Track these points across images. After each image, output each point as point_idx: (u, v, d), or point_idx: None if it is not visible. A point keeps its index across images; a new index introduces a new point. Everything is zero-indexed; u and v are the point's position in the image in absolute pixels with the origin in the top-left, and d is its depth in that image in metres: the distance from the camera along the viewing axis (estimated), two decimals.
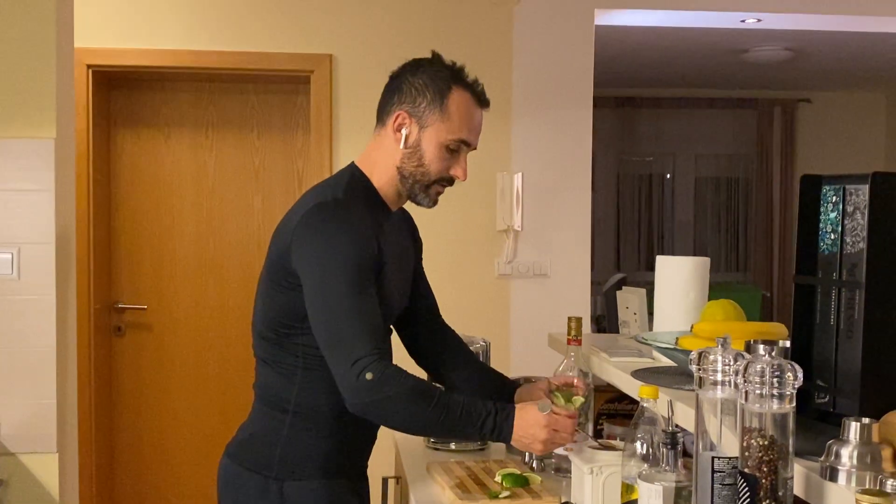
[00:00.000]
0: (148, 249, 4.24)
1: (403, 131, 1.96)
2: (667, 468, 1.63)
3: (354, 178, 2.00)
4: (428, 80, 1.96)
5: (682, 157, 7.99)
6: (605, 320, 6.02)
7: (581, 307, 4.12)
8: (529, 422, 1.84)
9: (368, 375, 1.74)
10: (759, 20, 4.48)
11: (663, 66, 6.72)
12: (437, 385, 1.87)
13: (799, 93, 7.70)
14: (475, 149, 2.01)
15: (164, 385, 4.26)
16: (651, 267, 8.00)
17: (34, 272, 2.67)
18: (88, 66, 3.91)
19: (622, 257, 7.94)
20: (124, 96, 4.22)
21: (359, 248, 1.84)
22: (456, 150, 1.97)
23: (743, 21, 4.50)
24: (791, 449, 1.28)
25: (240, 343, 4.22)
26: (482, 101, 2.01)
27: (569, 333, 2.25)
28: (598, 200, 7.70)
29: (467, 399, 1.85)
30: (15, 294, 2.67)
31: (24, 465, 2.66)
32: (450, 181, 2.00)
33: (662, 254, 7.96)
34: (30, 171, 2.66)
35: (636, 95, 7.70)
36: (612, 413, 2.48)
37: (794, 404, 1.28)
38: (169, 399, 4.26)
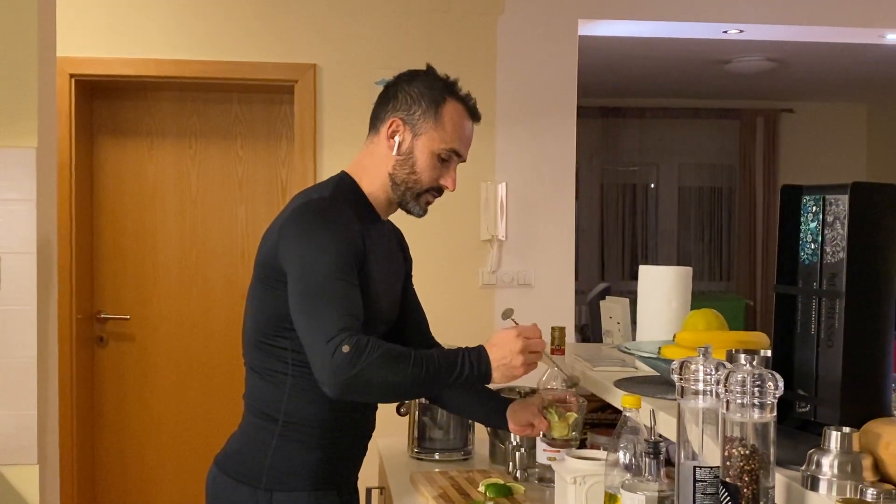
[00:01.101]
0: (131, 259, 4.22)
1: (397, 138, 1.98)
2: (649, 478, 1.63)
3: (343, 182, 2.02)
4: (424, 89, 1.99)
5: (665, 167, 8.03)
6: (589, 330, 6.04)
7: (565, 317, 4.13)
8: (500, 341, 1.83)
9: (344, 348, 1.71)
10: (741, 31, 4.51)
11: (647, 77, 6.75)
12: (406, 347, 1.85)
13: (781, 103, 7.76)
14: (465, 160, 2.04)
15: (146, 395, 4.23)
16: (635, 276, 7.95)
17: (15, 282, 2.65)
18: (71, 76, 3.90)
19: (606, 267, 7.96)
20: (107, 105, 4.20)
21: (341, 241, 1.85)
22: (447, 159, 1.99)
23: (725, 32, 4.53)
24: (772, 458, 1.29)
25: (223, 353, 4.20)
26: (474, 114, 2.05)
27: (552, 343, 2.25)
28: (581, 210, 7.74)
29: (440, 350, 1.86)
30: None
31: (3, 478, 2.64)
32: (439, 191, 2.03)
33: (646, 263, 7.99)
34: (11, 180, 2.65)
35: (620, 105, 7.74)
36: (595, 423, 2.47)
37: (774, 413, 1.28)
38: (152, 409, 4.23)
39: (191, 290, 4.25)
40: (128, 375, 4.23)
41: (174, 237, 4.24)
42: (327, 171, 3.94)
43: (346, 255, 1.84)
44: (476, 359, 1.82)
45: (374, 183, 2.01)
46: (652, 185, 8.06)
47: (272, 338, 1.92)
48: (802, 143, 7.81)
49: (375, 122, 2.04)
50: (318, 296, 1.79)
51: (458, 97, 2.01)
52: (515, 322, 1.90)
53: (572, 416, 2.07)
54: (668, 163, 8.01)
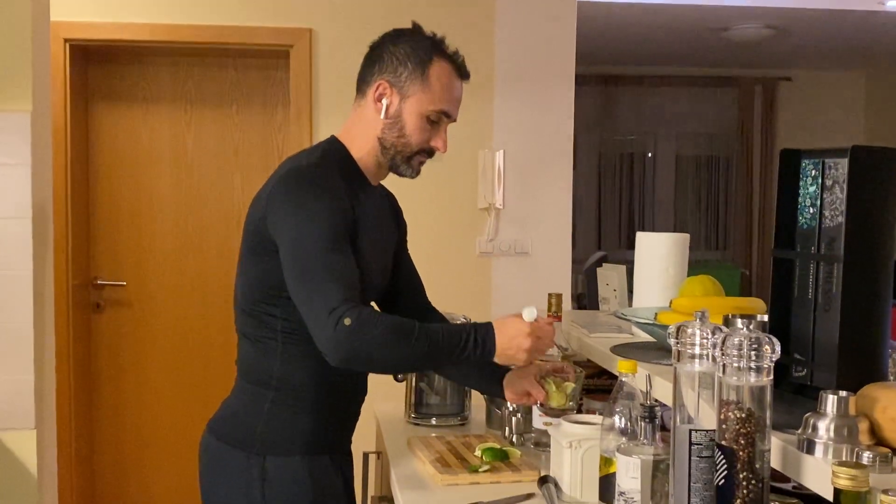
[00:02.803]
0: (127, 225, 4.21)
1: (384, 101, 1.95)
2: (645, 441, 1.64)
3: (332, 148, 1.99)
4: (409, 49, 1.95)
5: (663, 136, 8.00)
6: (586, 298, 6.04)
7: (562, 285, 4.13)
8: (512, 332, 1.83)
9: (346, 321, 1.71)
10: None
11: (645, 44, 6.71)
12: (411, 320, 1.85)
13: (780, 71, 7.71)
14: (455, 121, 2.01)
15: (143, 361, 4.24)
16: (632, 245, 7.94)
17: (10, 248, 2.64)
18: (66, 40, 3.86)
19: (603, 235, 7.95)
20: (102, 71, 4.17)
21: (332, 208, 1.83)
22: (436, 121, 1.96)
23: None
24: (768, 422, 1.29)
25: (219, 319, 4.20)
26: (462, 72, 2.00)
27: (549, 310, 2.25)
28: (579, 179, 7.71)
29: (445, 325, 1.86)
30: None
31: (1, 442, 2.64)
32: (430, 152, 2.00)
33: (643, 232, 7.98)
34: (5, 144, 2.63)
35: (618, 74, 7.69)
36: (591, 389, 2.47)
37: (771, 377, 1.28)
38: (148, 375, 4.24)
39: (187, 257, 4.24)
40: (124, 342, 4.23)
41: (170, 204, 4.23)
42: (323, 137, 3.89)
43: (338, 224, 1.82)
44: (483, 337, 1.82)
45: (363, 148, 1.99)
46: (649, 154, 8.03)
47: (262, 305, 1.92)
48: (800, 112, 7.77)
49: (362, 85, 2.00)
50: (315, 268, 1.78)
51: (445, 56, 1.97)
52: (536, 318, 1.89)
53: (570, 385, 2.07)
54: (666, 132, 7.98)
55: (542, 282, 4.10)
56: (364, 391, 2.09)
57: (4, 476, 2.65)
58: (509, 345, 1.83)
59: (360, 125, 1.99)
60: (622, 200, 8.00)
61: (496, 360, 1.86)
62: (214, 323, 4.22)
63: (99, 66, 4.16)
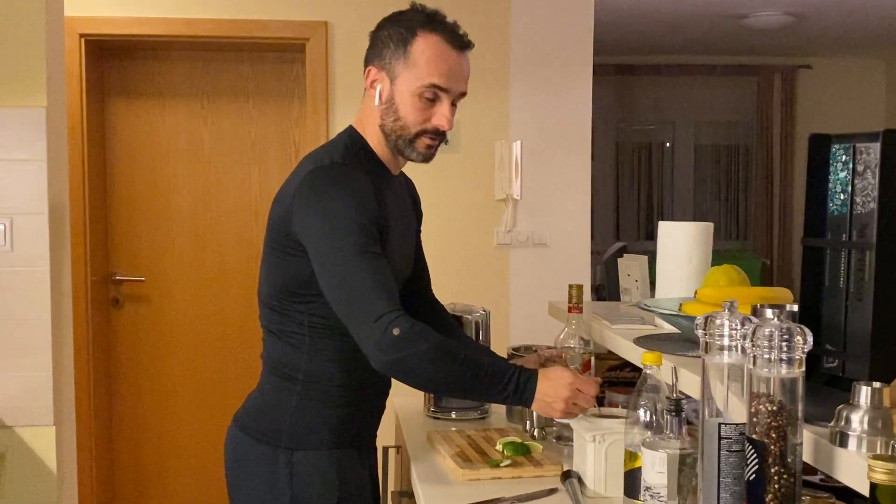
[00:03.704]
0: (145, 221, 4.20)
1: (378, 87, 1.91)
2: (671, 435, 1.60)
3: (352, 141, 1.95)
4: (393, 30, 1.90)
5: (681, 125, 7.93)
6: (605, 290, 5.99)
7: (581, 276, 4.09)
8: (555, 381, 1.80)
9: (395, 331, 1.70)
10: None
11: (663, 33, 6.65)
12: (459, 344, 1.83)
13: (799, 59, 7.63)
14: (464, 94, 1.93)
15: (163, 357, 4.23)
16: (650, 236, 7.97)
17: (28, 243, 2.62)
18: (81, 36, 3.85)
19: (621, 227, 7.90)
20: (118, 66, 4.15)
21: (360, 209, 1.79)
22: (432, 98, 1.88)
23: None
24: (800, 414, 1.25)
25: (238, 314, 4.19)
26: (459, 42, 1.90)
27: (570, 301, 2.22)
28: (596, 170, 7.65)
29: (491, 359, 1.82)
30: (8, 266, 2.62)
31: (20, 439, 2.63)
32: (436, 132, 1.92)
33: (666, 221, 7.91)
34: (21, 140, 2.61)
35: (635, 63, 7.63)
36: (613, 381, 2.44)
37: (803, 368, 1.24)
38: (168, 370, 4.23)
39: (205, 251, 4.23)
40: (144, 337, 4.22)
41: (187, 198, 4.21)
42: (339, 130, 3.87)
43: (367, 225, 1.79)
44: (524, 383, 1.80)
45: (374, 138, 1.95)
46: (668, 144, 7.96)
47: (288, 302, 1.89)
48: (820, 100, 7.68)
49: (364, 74, 1.97)
50: (352, 276, 1.75)
51: (433, 28, 1.88)
52: (578, 370, 1.86)
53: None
54: (684, 121, 7.91)
55: (561, 273, 4.06)
56: (389, 385, 2.07)
57: (24, 473, 2.64)
58: (549, 392, 1.80)
59: (366, 115, 1.96)
60: (640, 191, 7.95)
61: (534, 409, 1.84)
62: (234, 317, 4.20)
63: (115, 62, 4.14)
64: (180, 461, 4.23)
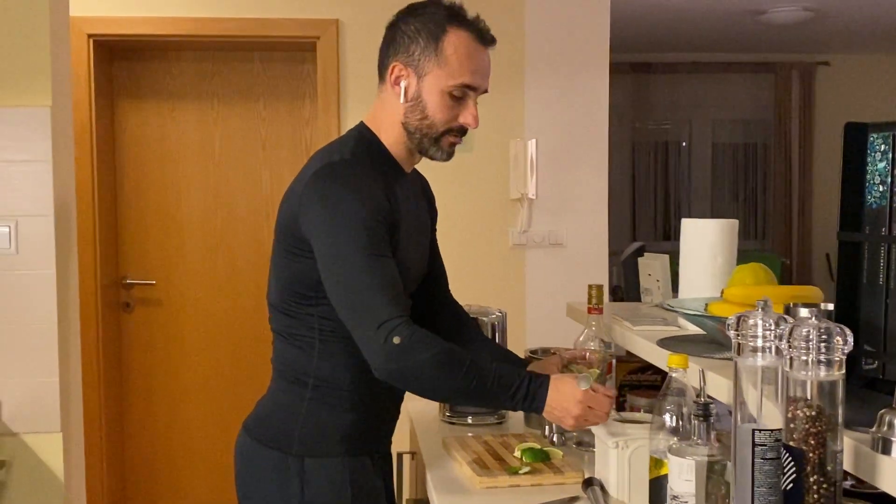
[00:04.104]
0: (155, 224, 4.15)
1: (402, 84, 1.83)
2: (699, 441, 1.53)
3: (363, 138, 1.89)
4: (420, 24, 1.82)
5: (698, 124, 7.84)
6: (622, 291, 5.92)
7: (598, 277, 4.02)
8: (565, 395, 1.73)
9: (396, 339, 1.64)
10: None
11: (679, 30, 6.57)
12: (465, 350, 1.76)
13: (817, 56, 7.54)
14: (486, 91, 1.87)
15: (174, 361, 4.18)
16: (668, 236, 7.89)
17: (33, 246, 2.58)
18: (89, 36, 3.81)
19: (638, 227, 7.82)
20: (127, 67, 4.11)
21: (369, 209, 1.73)
22: (461, 96, 1.83)
23: None
24: (840, 420, 1.18)
25: (250, 317, 4.14)
26: (485, 39, 1.85)
27: (589, 302, 2.14)
28: (612, 169, 7.54)
29: (499, 367, 1.75)
30: (14, 269, 2.58)
31: (27, 446, 2.59)
32: (461, 130, 1.86)
33: (679, 222, 7.84)
34: (25, 140, 2.57)
35: (650, 61, 7.56)
36: (635, 384, 2.37)
37: (843, 371, 1.17)
38: (180, 375, 4.18)
39: (216, 254, 4.18)
40: (155, 341, 4.18)
41: (198, 200, 4.17)
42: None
43: (375, 225, 1.73)
44: (535, 391, 1.73)
45: (390, 135, 1.88)
46: (684, 143, 7.88)
47: (297, 304, 1.83)
48: (839, 98, 7.58)
49: (381, 69, 1.89)
50: (357, 276, 1.70)
51: (461, 24, 1.82)
52: (593, 388, 1.78)
53: (595, 372, 1.96)
54: (701, 119, 7.82)
55: (578, 274, 4.00)
56: (404, 390, 1.99)
57: (31, 480, 2.60)
58: (558, 406, 1.74)
59: (383, 112, 1.89)
60: (657, 190, 7.86)
61: (544, 416, 1.78)
62: (246, 320, 4.16)
63: (123, 62, 4.10)
64: (192, 466, 4.18)
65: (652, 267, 2.57)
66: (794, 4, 5.75)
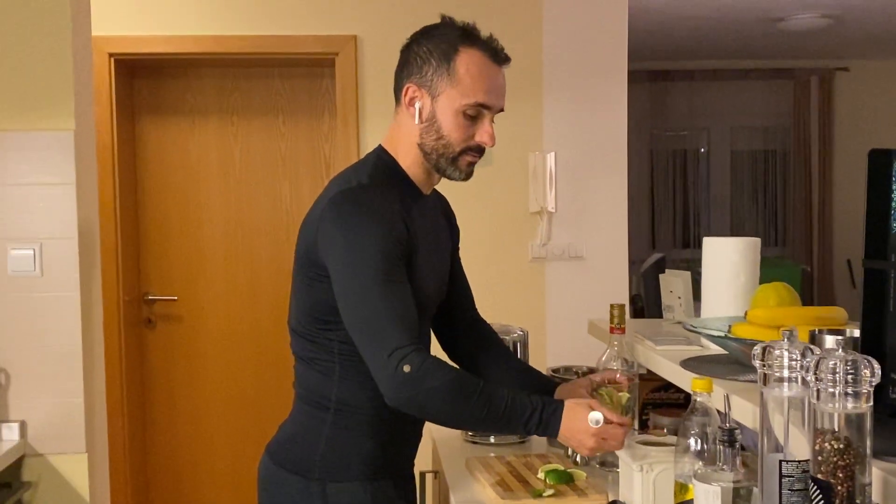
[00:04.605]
0: (176, 240, 4.18)
1: (417, 105, 1.84)
2: (724, 467, 1.52)
3: (381, 161, 1.89)
4: (433, 45, 1.83)
5: (716, 131, 7.82)
6: (641, 300, 5.90)
7: (619, 289, 4.01)
8: (578, 427, 1.73)
9: (406, 368, 1.65)
10: None
11: (697, 38, 6.55)
12: (477, 378, 1.76)
13: (836, 62, 7.50)
14: (501, 110, 1.87)
15: (196, 376, 4.20)
16: (687, 245, 7.86)
17: (57, 268, 2.60)
18: (110, 55, 3.83)
19: (657, 235, 7.79)
20: (148, 85, 4.14)
21: (385, 234, 1.73)
22: (475, 115, 1.83)
23: None
24: (869, 452, 1.17)
25: (272, 332, 4.15)
26: (498, 57, 1.85)
27: (611, 322, 2.13)
28: (631, 177, 7.50)
29: (511, 394, 1.74)
30: (38, 291, 2.60)
31: (52, 467, 2.61)
32: (478, 149, 1.86)
33: (698, 230, 7.83)
34: (50, 164, 2.59)
35: (668, 69, 7.54)
36: (658, 403, 2.36)
37: (870, 403, 1.16)
38: (202, 390, 4.20)
39: (237, 269, 4.20)
40: (177, 357, 4.20)
41: (219, 216, 4.19)
42: (370, 145, 3.80)
43: (391, 251, 1.73)
44: (548, 419, 1.74)
45: (408, 157, 1.88)
46: (703, 150, 7.85)
47: (317, 329, 1.84)
48: (859, 103, 7.54)
49: (396, 91, 1.89)
50: (370, 304, 1.70)
51: (473, 43, 1.82)
52: (607, 419, 1.77)
53: (625, 396, 1.95)
54: (720, 126, 7.79)
55: (599, 287, 3.99)
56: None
57: (57, 501, 2.62)
58: (572, 436, 1.75)
59: (400, 134, 1.89)
60: (676, 198, 7.84)
61: (560, 441, 1.79)
62: (266, 334, 4.17)
63: (144, 80, 4.13)
64: (216, 483, 4.20)
65: (674, 284, 2.56)
66: (813, 11, 5.73)
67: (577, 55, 3.98)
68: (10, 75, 2.58)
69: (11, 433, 2.59)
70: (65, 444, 2.62)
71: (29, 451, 2.61)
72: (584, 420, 1.74)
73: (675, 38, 6.54)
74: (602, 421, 1.74)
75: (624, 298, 4.06)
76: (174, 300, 4.18)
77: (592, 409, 1.75)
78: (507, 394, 1.73)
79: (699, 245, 8.00)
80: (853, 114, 7.56)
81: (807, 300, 7.23)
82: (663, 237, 7.80)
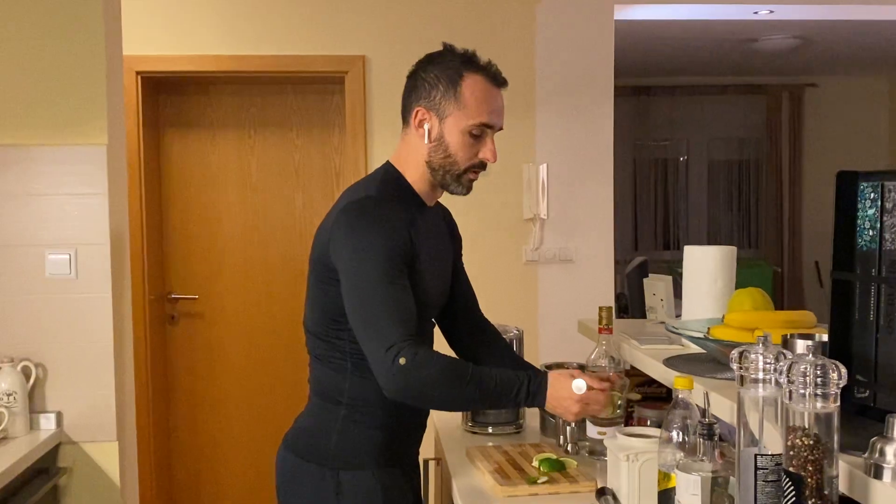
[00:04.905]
0: (198, 243, 4.20)
1: (426, 126, 1.87)
2: (703, 458, 1.55)
3: (388, 175, 1.92)
4: (439, 71, 1.86)
5: (695, 141, 7.85)
6: (626, 299, 5.92)
7: (605, 290, 4.04)
8: (563, 395, 1.79)
9: (402, 360, 1.67)
10: (770, 11, 4.34)
11: (677, 56, 6.58)
12: (467, 362, 1.79)
13: (806, 78, 7.53)
14: (501, 129, 1.91)
15: (215, 368, 4.22)
16: (668, 246, 7.88)
17: (91, 271, 2.62)
18: (138, 73, 3.85)
19: (640, 237, 7.82)
20: (172, 100, 4.16)
21: (390, 241, 1.76)
22: (479, 134, 1.86)
23: (756, 13, 4.36)
24: (836, 447, 1.19)
25: (285, 327, 4.17)
26: (498, 81, 1.89)
27: (600, 322, 2.16)
28: (616, 183, 7.53)
29: (499, 372, 1.78)
30: (73, 292, 2.62)
31: (86, 454, 2.63)
32: (481, 166, 1.90)
33: (678, 233, 7.86)
34: (84, 176, 2.61)
35: (651, 84, 7.57)
36: (643, 396, 2.38)
37: (838, 403, 1.19)
38: (220, 381, 4.22)
39: (253, 270, 4.22)
40: (197, 350, 4.22)
41: (237, 221, 4.20)
42: (377, 156, 3.87)
43: (395, 256, 1.76)
44: (535, 390, 1.77)
45: (415, 173, 1.91)
46: (683, 159, 7.88)
47: (331, 330, 1.86)
48: (827, 117, 7.57)
49: (404, 114, 1.92)
50: (372, 302, 1.73)
51: (476, 69, 1.86)
52: (589, 385, 1.81)
53: (617, 395, 1.99)
54: (698, 137, 7.83)
55: (586, 287, 4.02)
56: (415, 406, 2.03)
57: (90, 485, 2.63)
58: (558, 403, 1.80)
59: (408, 152, 1.92)
60: (657, 202, 7.87)
61: (548, 409, 1.83)
62: (280, 330, 4.19)
63: (169, 96, 4.15)
64: (234, 469, 4.22)
65: (656, 287, 2.59)
66: (783, 33, 5.75)
67: (567, 75, 4.01)
68: (49, 95, 2.60)
69: (48, 423, 2.61)
70: (97, 433, 2.63)
71: (64, 440, 2.63)
72: (567, 388, 1.78)
73: (657, 57, 6.57)
74: (585, 388, 1.79)
75: (610, 298, 4.08)
76: (195, 298, 4.20)
77: (575, 378, 1.79)
78: (495, 373, 1.77)
79: (679, 247, 8.02)
80: (821, 126, 7.60)
81: (778, 299, 7.26)
82: (646, 239, 7.83)
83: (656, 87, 7.58)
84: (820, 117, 7.59)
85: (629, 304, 5.51)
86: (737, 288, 2.10)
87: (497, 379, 1.75)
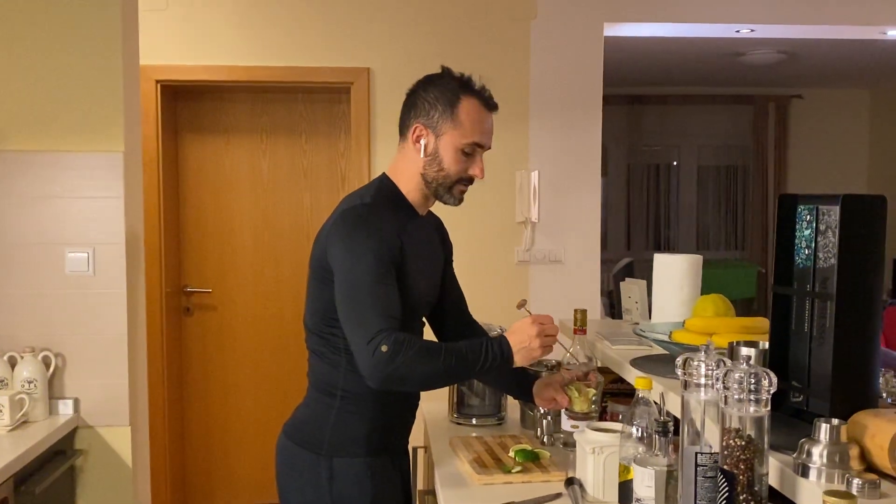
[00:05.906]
0: (212, 240, 4.26)
1: (422, 141, 1.93)
2: (658, 453, 1.60)
3: (383, 185, 1.98)
4: (438, 93, 1.92)
5: (685, 148, 7.88)
6: (615, 296, 5.97)
7: (592, 289, 4.08)
8: (522, 337, 1.82)
9: (383, 348, 1.72)
10: (752, 30, 4.37)
11: (667, 69, 6.61)
12: (438, 342, 1.85)
13: (791, 89, 7.54)
14: (489, 148, 1.97)
15: (226, 357, 4.28)
16: (658, 247, 7.91)
17: (107, 269, 2.68)
18: (157, 81, 3.90)
19: (632, 237, 7.85)
20: (189, 107, 4.21)
21: (380, 244, 1.83)
22: (471, 152, 1.93)
23: (738, 31, 4.39)
24: (766, 447, 1.25)
25: (292, 321, 4.23)
26: (490, 105, 1.96)
27: (574, 324, 2.21)
28: (610, 187, 7.62)
29: (465, 343, 1.83)
30: (91, 288, 2.68)
31: (101, 437, 2.69)
32: (470, 180, 1.97)
33: (668, 234, 7.89)
34: (102, 180, 2.66)
35: (644, 93, 7.59)
36: (615, 392, 2.43)
37: (769, 408, 1.24)
38: (231, 370, 4.28)
39: (264, 266, 4.28)
40: (210, 340, 4.28)
41: (249, 220, 4.26)
42: (380, 162, 3.92)
43: (383, 257, 1.82)
44: (498, 346, 1.81)
45: (409, 183, 1.97)
46: (674, 164, 7.91)
47: (327, 327, 1.91)
48: (811, 126, 7.59)
49: (402, 128, 1.98)
50: (358, 299, 1.78)
51: (472, 93, 1.92)
52: (529, 311, 1.87)
53: (591, 391, 2.04)
54: (688, 144, 7.86)
55: (574, 287, 4.06)
56: (418, 398, 2.09)
57: (104, 467, 2.69)
58: (520, 339, 1.82)
59: (404, 164, 1.98)
60: (649, 205, 7.90)
61: (520, 361, 1.84)
62: (288, 322, 4.25)
63: (186, 103, 4.20)
64: (243, 453, 4.27)
65: (632, 290, 2.63)
66: (770, 48, 5.77)
67: (559, 88, 4.05)
68: (69, 104, 2.65)
69: (67, 408, 2.67)
70: (111, 418, 2.69)
71: (81, 424, 2.69)
72: (522, 330, 1.82)
73: (649, 68, 6.60)
74: (526, 303, 1.90)
75: (596, 297, 4.12)
76: (209, 292, 4.26)
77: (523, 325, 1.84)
78: (463, 344, 1.82)
79: (670, 248, 8.03)
80: (805, 135, 7.61)
81: (762, 296, 7.28)
82: (637, 240, 7.86)
83: (649, 95, 7.60)
84: (804, 126, 7.61)
85: (615, 304, 5.56)
86: (711, 292, 2.14)
87: (465, 348, 1.81)
